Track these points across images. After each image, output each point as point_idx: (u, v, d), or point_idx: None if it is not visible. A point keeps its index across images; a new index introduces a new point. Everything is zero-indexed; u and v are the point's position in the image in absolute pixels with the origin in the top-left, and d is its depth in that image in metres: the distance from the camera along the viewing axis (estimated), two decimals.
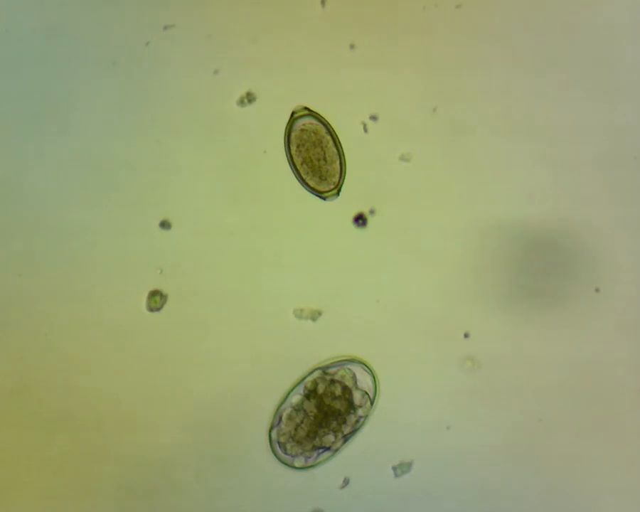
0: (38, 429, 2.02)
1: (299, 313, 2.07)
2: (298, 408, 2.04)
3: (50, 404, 2.02)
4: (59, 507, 2.02)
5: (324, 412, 2.04)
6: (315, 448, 2.04)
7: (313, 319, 2.07)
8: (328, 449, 2.04)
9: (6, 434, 2.02)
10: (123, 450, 2.02)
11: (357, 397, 2.05)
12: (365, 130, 2.11)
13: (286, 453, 2.04)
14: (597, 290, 2.07)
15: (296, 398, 2.04)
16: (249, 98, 2.10)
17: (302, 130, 2.11)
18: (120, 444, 2.02)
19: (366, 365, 2.06)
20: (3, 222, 2.05)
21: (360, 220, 2.10)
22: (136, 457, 2.02)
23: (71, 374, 2.03)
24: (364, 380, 2.06)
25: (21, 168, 2.06)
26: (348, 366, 2.06)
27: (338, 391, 2.04)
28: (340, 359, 2.06)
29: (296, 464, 2.04)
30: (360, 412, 2.05)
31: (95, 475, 2.02)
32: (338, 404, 2.04)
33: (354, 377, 2.05)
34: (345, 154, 2.11)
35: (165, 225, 2.07)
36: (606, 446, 2.05)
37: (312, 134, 2.11)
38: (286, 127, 2.10)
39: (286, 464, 2.04)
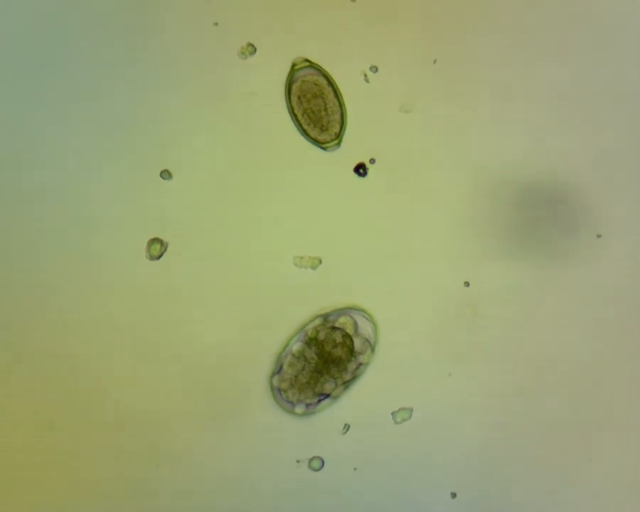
0: (35, 369, 2.02)
1: (299, 262, 2.07)
2: (299, 356, 2.04)
3: (47, 346, 2.03)
4: (55, 460, 2.02)
5: (325, 360, 2.04)
6: (316, 395, 2.04)
7: (313, 268, 2.08)
8: (328, 396, 2.04)
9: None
10: (121, 391, 2.02)
11: (358, 344, 2.05)
12: (366, 81, 2.11)
13: (286, 400, 2.03)
14: (599, 236, 2.06)
15: (296, 346, 2.04)
16: (249, 50, 2.11)
17: (303, 81, 2.12)
18: (118, 386, 2.02)
19: (366, 313, 2.06)
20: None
21: (360, 169, 2.11)
22: (135, 398, 2.02)
23: (69, 323, 2.03)
24: (365, 327, 2.06)
25: (21, 119, 2.07)
26: (349, 314, 2.05)
27: (338, 338, 2.04)
28: (340, 307, 2.06)
29: (297, 411, 2.04)
30: (360, 359, 2.04)
31: (94, 419, 2.02)
32: (338, 352, 2.04)
33: (355, 325, 2.05)
34: (346, 105, 2.12)
35: (166, 175, 2.08)
36: (609, 382, 2.03)
37: (313, 85, 2.12)
38: (286, 79, 2.11)
39: (286, 411, 2.03)
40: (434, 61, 2.12)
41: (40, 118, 2.07)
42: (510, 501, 2.03)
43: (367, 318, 2.06)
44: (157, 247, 2.07)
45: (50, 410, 2.03)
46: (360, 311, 2.07)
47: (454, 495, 2.03)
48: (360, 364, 2.05)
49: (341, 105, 2.12)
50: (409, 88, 2.11)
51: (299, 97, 2.12)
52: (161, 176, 2.08)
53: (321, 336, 2.05)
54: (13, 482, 2.01)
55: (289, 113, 2.11)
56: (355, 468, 2.03)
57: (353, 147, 2.11)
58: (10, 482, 2.01)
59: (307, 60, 2.12)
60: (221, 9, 2.10)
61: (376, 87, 2.11)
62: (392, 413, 2.04)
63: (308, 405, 2.04)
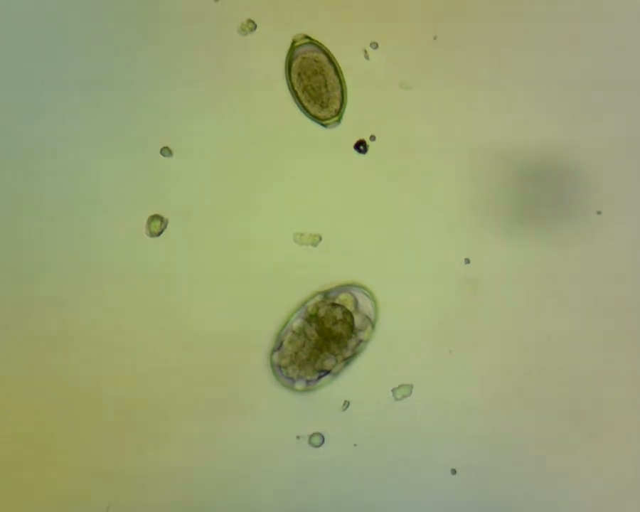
0: (37, 349, 2.02)
1: (299, 239, 2.07)
2: (299, 332, 2.04)
3: (48, 325, 2.03)
4: (60, 423, 2.03)
5: (325, 336, 2.04)
6: (316, 371, 2.04)
7: (314, 245, 2.07)
8: (328, 372, 2.04)
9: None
10: (122, 368, 2.02)
11: (358, 320, 2.05)
12: (366, 57, 2.11)
13: (287, 376, 2.04)
14: (599, 213, 2.06)
15: (297, 322, 2.04)
16: (249, 26, 2.11)
17: (303, 58, 2.11)
18: (121, 365, 2.02)
19: (367, 290, 2.06)
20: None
21: (361, 146, 2.10)
22: (138, 377, 2.02)
23: (70, 298, 2.03)
24: (365, 304, 2.06)
25: (22, 93, 2.07)
26: (349, 291, 2.05)
27: (339, 315, 2.04)
28: (341, 284, 2.06)
29: (297, 387, 2.04)
30: (360, 335, 2.04)
31: (95, 398, 2.02)
32: (339, 328, 2.04)
33: (355, 301, 2.05)
34: (346, 82, 2.11)
35: (166, 152, 2.07)
36: (611, 359, 2.03)
37: (313, 62, 2.12)
38: (286, 55, 2.11)
39: (287, 387, 2.04)
40: (435, 37, 2.11)
41: (40, 97, 2.07)
42: (510, 478, 2.03)
43: (367, 295, 2.06)
44: (157, 223, 2.07)
45: (48, 393, 2.03)
46: (361, 287, 2.07)
47: (453, 471, 2.04)
48: (361, 341, 2.05)
49: (341, 82, 2.12)
50: (410, 65, 2.11)
51: (299, 74, 2.11)
52: (161, 153, 2.08)
53: (322, 312, 2.05)
54: (12, 462, 2.02)
55: (289, 90, 2.11)
56: (355, 444, 2.03)
57: (353, 124, 2.11)
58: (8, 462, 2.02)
59: (307, 37, 2.12)
60: None
61: (376, 63, 2.11)
62: (392, 390, 2.04)
63: (308, 381, 2.05)
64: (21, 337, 2.02)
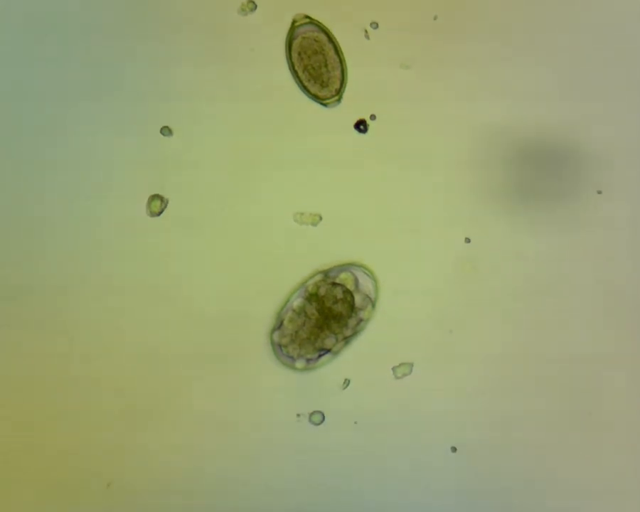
0: (38, 329, 2.03)
1: (300, 218, 2.07)
2: (299, 311, 2.04)
3: (49, 305, 2.03)
4: (60, 402, 2.03)
5: (325, 315, 2.04)
6: (316, 350, 2.04)
7: (314, 224, 2.08)
8: (329, 351, 2.05)
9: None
10: (123, 347, 2.03)
11: (358, 299, 2.05)
12: (367, 37, 2.11)
13: (287, 355, 2.04)
14: (599, 192, 2.06)
15: (297, 301, 2.04)
16: (250, 6, 2.11)
17: (303, 38, 2.11)
18: (121, 344, 2.03)
19: (367, 269, 2.06)
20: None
21: (361, 125, 2.10)
22: (137, 354, 2.03)
23: (70, 278, 2.03)
24: (365, 283, 2.06)
25: (22, 74, 2.07)
26: (350, 270, 2.06)
27: (339, 294, 2.04)
28: (341, 263, 2.06)
29: (298, 366, 2.04)
30: (361, 314, 2.05)
31: (95, 377, 2.03)
32: (339, 307, 2.04)
33: (355, 280, 2.05)
34: (346, 61, 2.11)
35: (166, 131, 2.07)
36: (611, 340, 2.04)
37: (313, 42, 2.12)
38: (287, 35, 2.11)
39: (287, 366, 2.04)
40: (435, 17, 2.11)
41: (39, 77, 2.06)
42: (510, 456, 2.04)
43: (367, 274, 2.06)
44: (157, 203, 2.07)
45: (49, 372, 2.03)
46: (361, 267, 2.07)
47: (454, 449, 2.04)
48: (361, 320, 2.05)
49: (342, 61, 2.12)
50: (410, 44, 2.10)
51: (299, 54, 2.11)
52: (161, 132, 2.08)
53: (322, 291, 2.05)
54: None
55: (290, 69, 2.11)
56: (355, 423, 2.04)
57: (353, 103, 2.11)
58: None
59: (307, 17, 2.11)
60: None
61: (376, 43, 2.11)
62: (393, 368, 2.05)
63: (308, 360, 2.05)
64: (22, 317, 2.02)
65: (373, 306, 2.06)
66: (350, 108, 2.11)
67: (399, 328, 2.05)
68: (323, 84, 2.11)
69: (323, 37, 2.12)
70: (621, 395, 2.05)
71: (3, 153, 2.05)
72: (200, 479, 2.02)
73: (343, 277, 2.06)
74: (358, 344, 2.06)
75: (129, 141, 2.07)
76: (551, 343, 2.05)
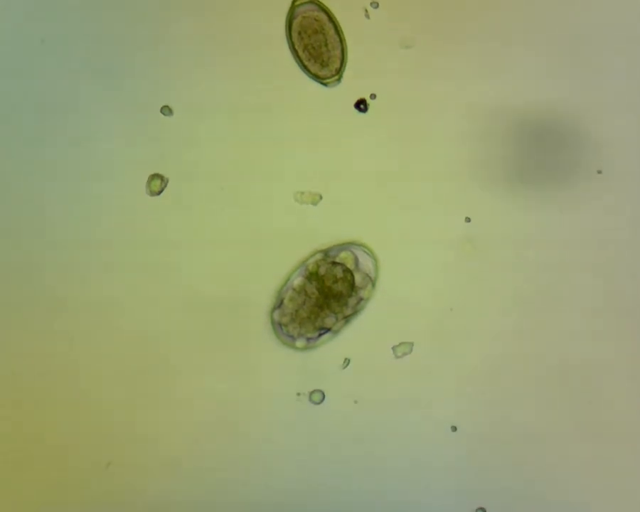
0: (40, 310, 2.02)
1: (300, 198, 2.07)
2: (299, 290, 2.04)
3: (49, 286, 2.03)
4: (60, 382, 2.03)
5: (325, 294, 2.04)
6: (316, 329, 2.04)
7: (314, 203, 2.07)
8: (329, 330, 2.05)
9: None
10: (124, 328, 2.02)
11: (358, 279, 2.05)
12: (367, 17, 2.10)
13: (287, 334, 2.04)
14: (599, 172, 2.06)
15: (297, 280, 2.04)
16: None
17: (304, 17, 2.11)
18: (122, 325, 2.02)
19: (367, 249, 2.06)
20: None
21: (361, 105, 2.10)
22: (139, 337, 2.02)
23: (70, 258, 2.03)
24: (365, 263, 2.06)
25: (22, 53, 2.06)
26: (350, 249, 2.05)
27: (339, 273, 2.04)
28: (341, 242, 2.06)
29: (298, 345, 2.04)
30: (361, 293, 2.04)
31: (95, 357, 2.02)
32: (339, 287, 2.04)
33: (355, 260, 2.05)
34: (347, 41, 2.11)
35: (166, 111, 2.07)
36: (608, 320, 2.04)
37: (313, 21, 2.11)
38: (287, 14, 2.10)
39: (287, 345, 2.04)
40: None
41: (39, 56, 2.06)
42: (510, 436, 2.04)
43: (367, 254, 2.06)
44: (157, 182, 2.07)
45: (50, 351, 2.03)
46: (361, 246, 2.07)
47: (454, 428, 2.04)
48: (361, 299, 2.05)
49: (342, 41, 2.11)
50: (410, 24, 2.10)
51: (299, 33, 2.11)
52: (161, 111, 2.07)
53: (322, 270, 2.05)
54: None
55: (290, 49, 2.10)
56: (355, 402, 2.04)
57: (353, 83, 2.10)
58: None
59: None
60: None
61: (377, 22, 2.10)
62: (393, 347, 2.05)
63: (309, 339, 2.05)
64: (24, 297, 2.02)
65: (373, 285, 2.06)
66: (350, 87, 2.10)
67: (399, 308, 2.05)
68: (324, 64, 2.11)
69: (323, 16, 2.11)
70: (622, 378, 2.05)
71: (1, 135, 2.05)
72: (201, 458, 2.02)
73: (343, 256, 2.06)
74: (358, 323, 2.06)
75: (129, 121, 2.06)
76: (551, 321, 2.05)
